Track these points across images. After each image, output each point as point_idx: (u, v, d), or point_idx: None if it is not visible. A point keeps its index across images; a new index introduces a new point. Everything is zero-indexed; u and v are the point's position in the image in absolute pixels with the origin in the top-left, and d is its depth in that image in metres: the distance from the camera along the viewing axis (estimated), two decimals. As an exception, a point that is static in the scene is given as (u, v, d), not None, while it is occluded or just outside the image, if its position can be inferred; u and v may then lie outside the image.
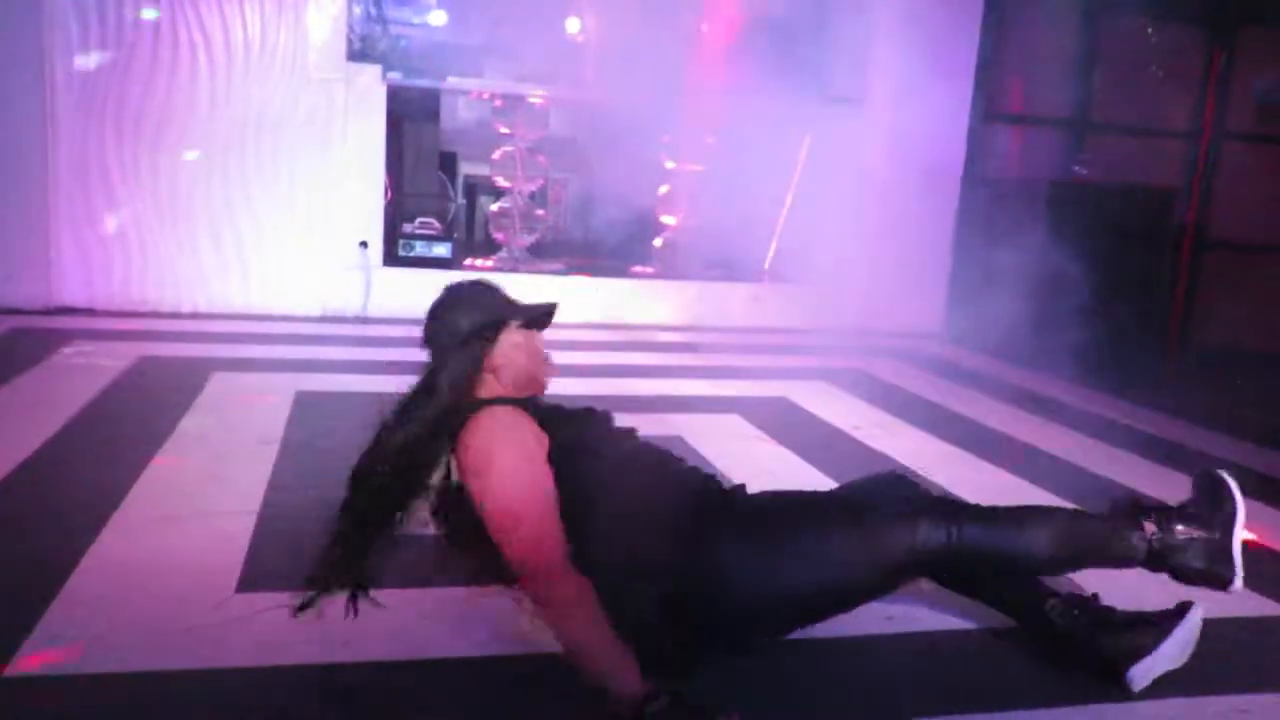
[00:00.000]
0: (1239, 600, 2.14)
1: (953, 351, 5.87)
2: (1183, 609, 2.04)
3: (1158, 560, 2.01)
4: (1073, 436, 4.05)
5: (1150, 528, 2.00)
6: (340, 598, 1.89)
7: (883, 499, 2.07)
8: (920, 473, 3.33)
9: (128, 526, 2.48)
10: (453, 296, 2.08)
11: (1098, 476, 3.50)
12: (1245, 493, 2.04)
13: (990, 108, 6.56)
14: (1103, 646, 1.99)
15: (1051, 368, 5.17)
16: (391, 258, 5.72)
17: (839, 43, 6.37)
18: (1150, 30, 6.75)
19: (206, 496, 2.71)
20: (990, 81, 6.45)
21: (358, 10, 5.93)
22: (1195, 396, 4.96)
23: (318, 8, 5.33)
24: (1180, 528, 2.00)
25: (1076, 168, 6.84)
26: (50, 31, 5.00)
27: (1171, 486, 3.33)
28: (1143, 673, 1.97)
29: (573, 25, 6.51)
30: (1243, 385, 5.26)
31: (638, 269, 6.35)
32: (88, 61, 5.11)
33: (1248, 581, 2.01)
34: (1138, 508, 2.05)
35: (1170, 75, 6.91)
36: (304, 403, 3.72)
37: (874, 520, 1.93)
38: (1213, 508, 2.03)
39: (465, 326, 1.99)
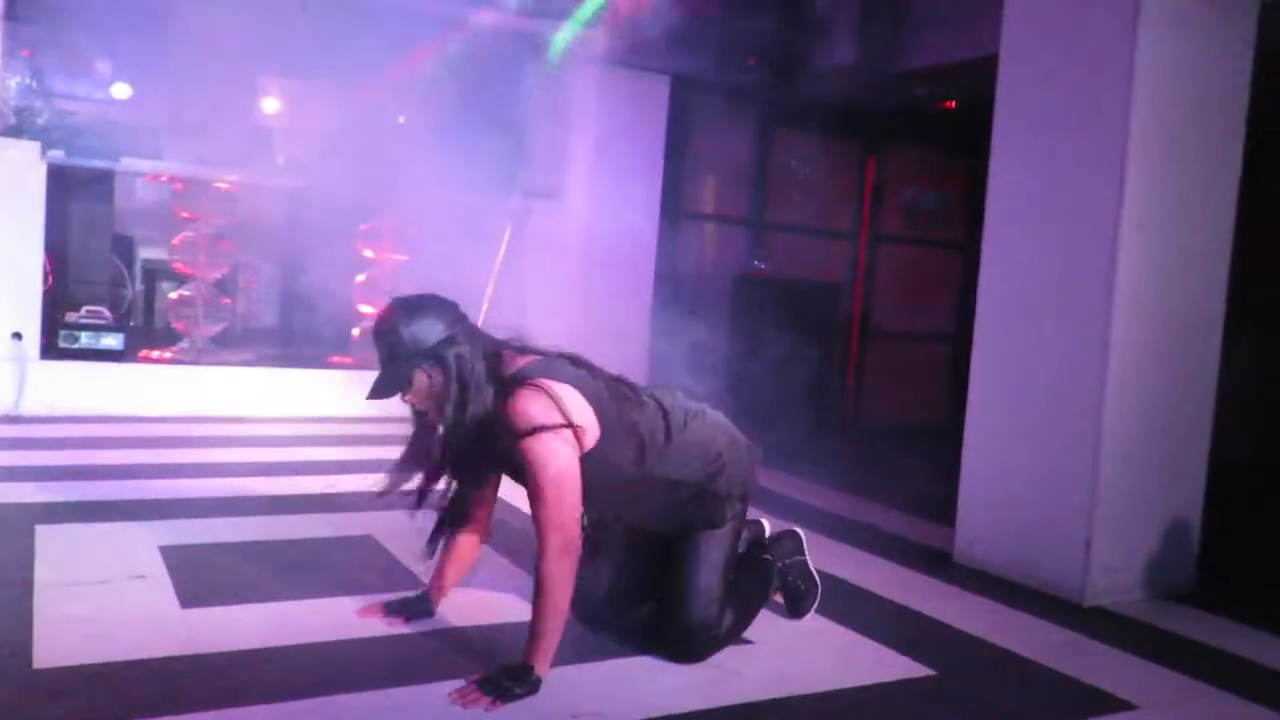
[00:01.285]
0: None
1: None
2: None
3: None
4: (753, 515, 4.29)
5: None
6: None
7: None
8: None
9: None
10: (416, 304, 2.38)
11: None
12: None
13: (678, 206, 7.00)
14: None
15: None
16: (52, 349, 5.20)
17: (537, 140, 6.59)
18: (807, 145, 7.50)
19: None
20: (677, 182, 6.89)
21: (14, 81, 5.45)
22: (866, 471, 5.43)
23: (-37, 77, 4.84)
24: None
25: (756, 262, 7.41)
26: None
27: (832, 555, 3.62)
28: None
29: (270, 106, 6.31)
30: (896, 459, 5.83)
31: (335, 359, 6.14)
32: None
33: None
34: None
35: (833, 182, 7.71)
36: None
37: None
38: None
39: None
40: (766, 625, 2.85)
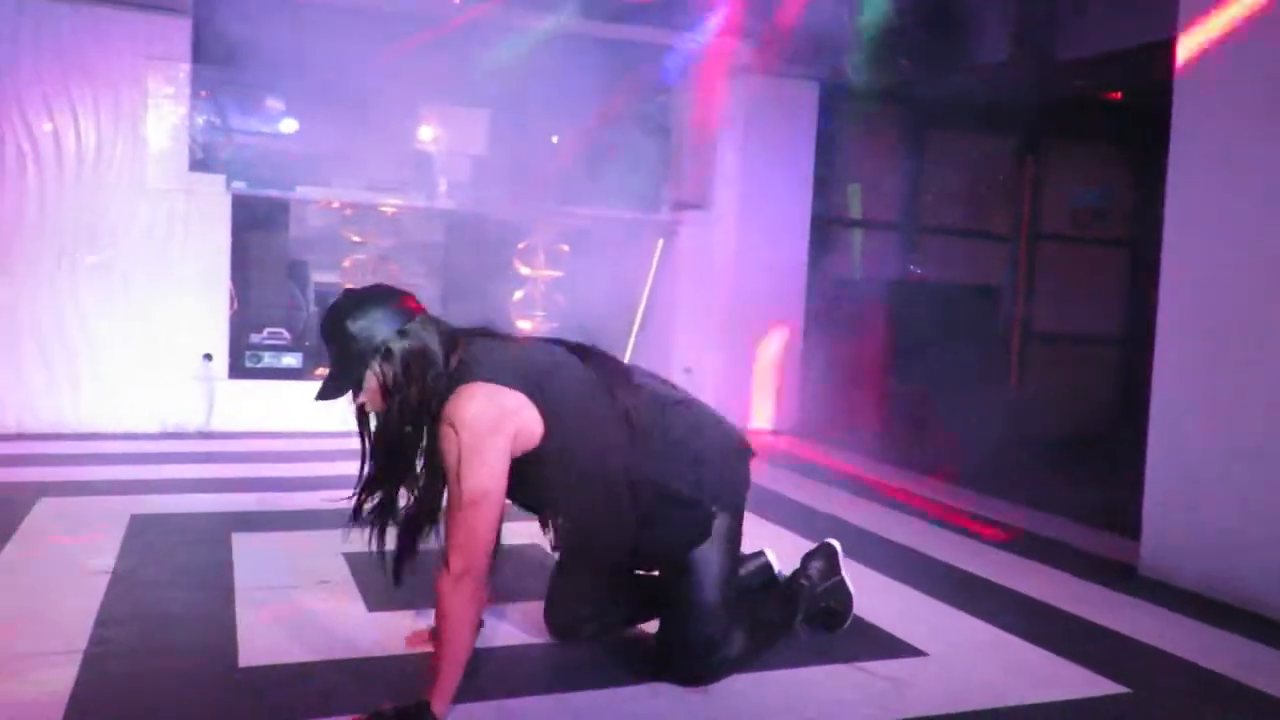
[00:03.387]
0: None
1: (803, 446, 6.03)
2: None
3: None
4: (908, 522, 4.19)
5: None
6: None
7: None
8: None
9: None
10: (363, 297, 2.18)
11: (934, 560, 3.63)
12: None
13: (829, 213, 6.92)
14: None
15: (898, 459, 5.38)
16: (238, 369, 5.54)
17: (685, 152, 6.64)
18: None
19: (26, 637, 2.51)
20: (827, 188, 6.81)
21: (200, 120, 5.84)
22: (1047, 485, 5.21)
23: (157, 117, 5.22)
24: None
25: (911, 267, 7.25)
26: None
27: (1007, 568, 3.50)
28: None
29: (429, 132, 6.55)
30: (1064, 467, 5.57)
31: (495, 374, 6.32)
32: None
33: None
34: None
35: (989, 181, 7.47)
36: (139, 527, 3.51)
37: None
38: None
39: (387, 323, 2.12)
40: (935, 636, 2.78)
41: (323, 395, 2.13)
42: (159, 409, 5.26)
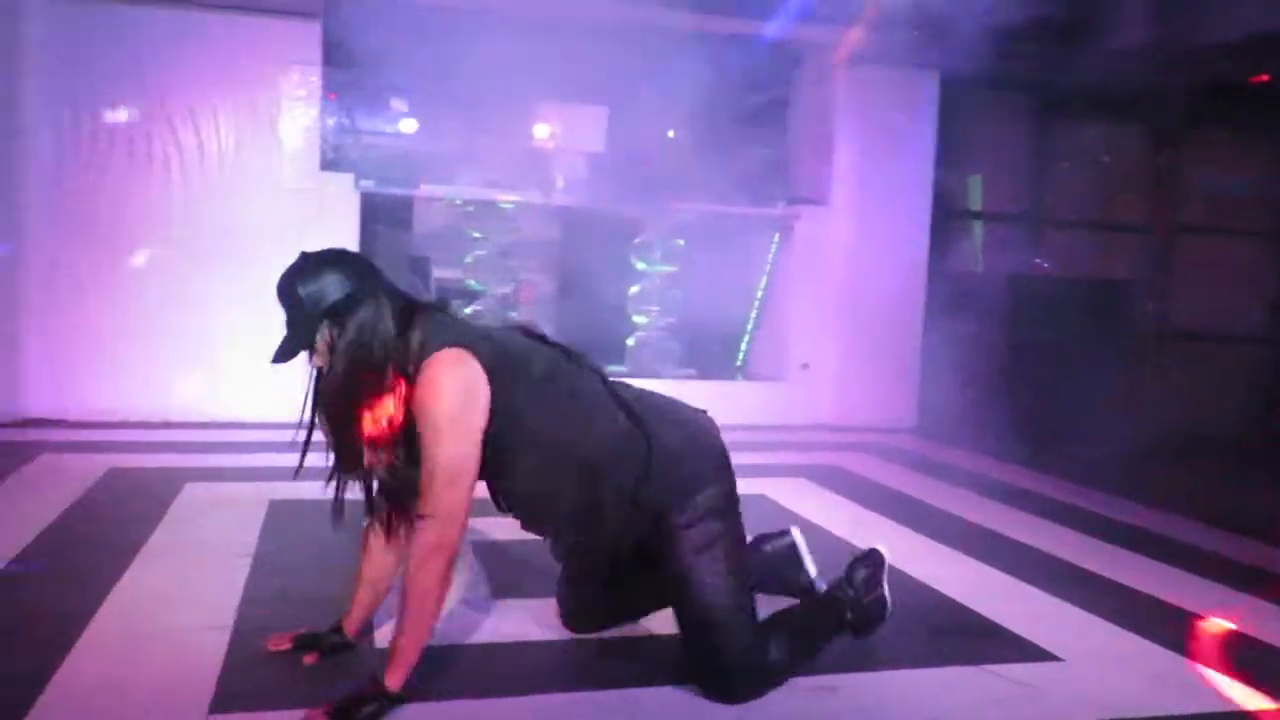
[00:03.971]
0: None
1: (923, 444, 5.91)
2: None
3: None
4: (1046, 527, 4.06)
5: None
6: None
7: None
8: (898, 566, 3.34)
9: (98, 645, 2.41)
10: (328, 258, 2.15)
11: (1067, 563, 3.51)
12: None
13: (950, 205, 6.75)
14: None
15: (1023, 459, 5.23)
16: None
17: (802, 146, 6.57)
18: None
19: (177, 612, 2.65)
20: (948, 180, 6.65)
21: (330, 121, 6.06)
22: (1176, 486, 5.00)
23: (291, 119, 5.43)
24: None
25: (1037, 260, 7.03)
26: (20, 140, 5.06)
27: (1148, 574, 3.36)
28: None
29: (546, 129, 6.64)
30: (1202, 470, 5.32)
31: (610, 369, 6.38)
32: (58, 171, 5.15)
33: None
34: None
35: (1121, 171, 7.18)
36: (278, 512, 3.67)
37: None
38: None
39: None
40: (1071, 641, 2.69)
41: (276, 358, 2.11)
42: (294, 399, 5.45)
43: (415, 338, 2.07)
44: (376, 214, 6.18)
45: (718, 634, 2.20)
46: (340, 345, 2.06)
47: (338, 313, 2.05)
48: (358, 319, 2.06)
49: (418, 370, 2.04)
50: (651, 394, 2.36)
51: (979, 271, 7.25)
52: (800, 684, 2.34)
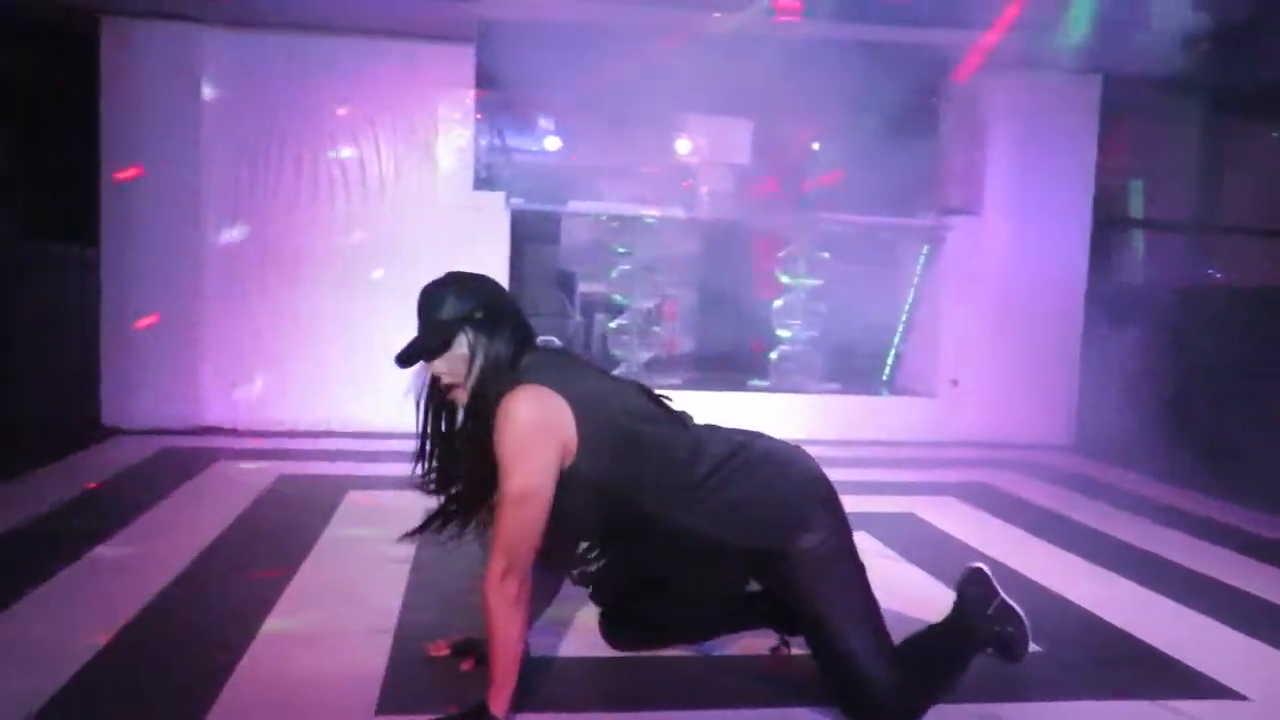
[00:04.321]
0: None
1: (1080, 463, 5.65)
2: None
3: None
4: (1213, 551, 3.83)
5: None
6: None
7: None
8: (1057, 591, 3.21)
9: (271, 645, 2.55)
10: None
11: (1246, 594, 3.30)
12: None
13: (1111, 213, 6.46)
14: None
15: (1192, 480, 4.94)
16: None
17: (953, 155, 6.40)
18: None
19: (344, 615, 2.78)
20: (1110, 187, 6.36)
21: (483, 142, 6.26)
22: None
23: (447, 141, 5.64)
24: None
25: (1210, 271, 6.64)
26: (205, 167, 5.42)
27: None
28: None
29: (689, 144, 6.67)
30: None
31: (754, 383, 6.35)
32: (235, 194, 5.50)
33: None
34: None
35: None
36: (434, 520, 3.79)
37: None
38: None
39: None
40: (1256, 678, 2.52)
41: (405, 356, 2.18)
42: (446, 411, 5.66)
43: (517, 367, 2.13)
44: (525, 230, 6.35)
45: (859, 668, 2.17)
46: (473, 369, 2.12)
47: (480, 321, 2.13)
48: (494, 332, 2.13)
49: (499, 398, 2.09)
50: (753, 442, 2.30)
51: (1142, 282, 6.90)
52: (956, 711, 2.27)
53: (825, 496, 2.25)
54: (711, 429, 2.30)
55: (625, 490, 2.13)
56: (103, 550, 3.29)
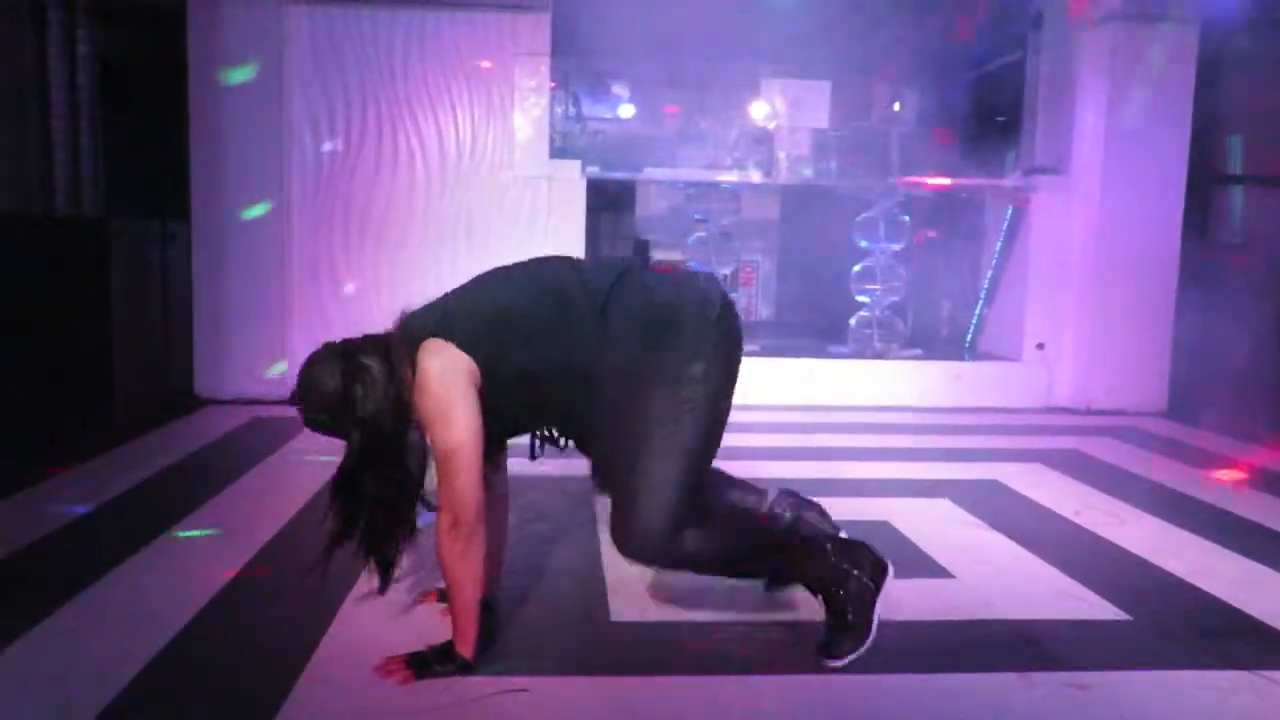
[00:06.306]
0: None
1: (1174, 429, 5.48)
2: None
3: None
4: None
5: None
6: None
7: None
8: (1152, 560, 3.13)
9: (362, 608, 2.61)
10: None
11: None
12: None
13: (1210, 169, 6.19)
14: None
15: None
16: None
17: (1040, 113, 6.20)
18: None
19: (427, 580, 2.83)
20: (1210, 140, 6.10)
21: (559, 110, 6.26)
22: None
23: (523, 111, 5.65)
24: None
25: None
26: (288, 141, 5.53)
27: None
28: None
29: (759, 111, 6.58)
30: None
31: (834, 349, 6.28)
32: (316, 167, 5.60)
33: None
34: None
35: None
36: (520, 487, 3.81)
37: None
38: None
39: None
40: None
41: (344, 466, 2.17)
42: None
43: (402, 365, 2.15)
44: (601, 198, 6.34)
45: (639, 502, 2.16)
46: (361, 416, 2.10)
47: (345, 411, 2.11)
48: (359, 396, 2.10)
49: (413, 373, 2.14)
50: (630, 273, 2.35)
51: (1241, 241, 6.62)
52: (1043, 679, 2.24)
53: (718, 318, 2.28)
54: (598, 264, 2.44)
55: (540, 365, 2.18)
56: (195, 517, 3.41)
